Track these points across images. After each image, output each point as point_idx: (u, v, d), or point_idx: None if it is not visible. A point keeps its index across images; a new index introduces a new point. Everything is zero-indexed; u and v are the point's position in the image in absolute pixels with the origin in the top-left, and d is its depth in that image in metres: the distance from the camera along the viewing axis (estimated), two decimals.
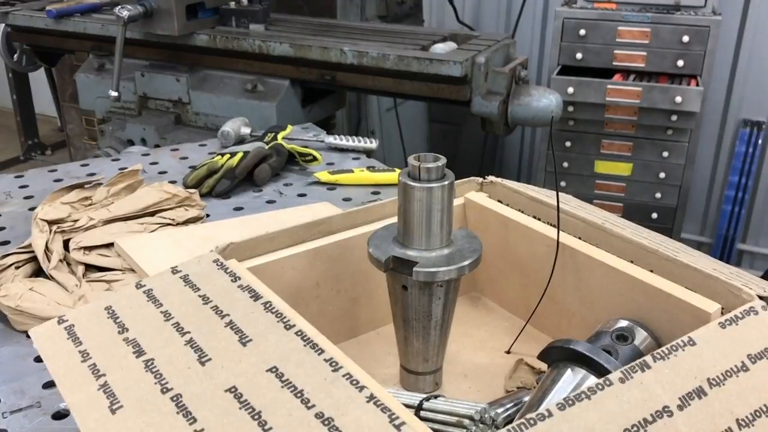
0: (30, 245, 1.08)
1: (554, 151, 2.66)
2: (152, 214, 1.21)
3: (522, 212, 0.93)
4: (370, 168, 1.49)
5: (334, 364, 0.57)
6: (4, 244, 1.19)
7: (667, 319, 0.73)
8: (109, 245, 1.10)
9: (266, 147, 1.49)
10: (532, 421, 0.51)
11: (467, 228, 0.83)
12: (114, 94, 1.97)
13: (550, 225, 0.89)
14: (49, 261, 1.05)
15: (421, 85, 1.85)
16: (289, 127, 1.62)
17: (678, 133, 2.55)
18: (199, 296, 0.69)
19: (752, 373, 0.61)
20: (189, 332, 0.64)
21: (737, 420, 0.58)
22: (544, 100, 1.87)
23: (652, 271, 0.79)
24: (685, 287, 0.75)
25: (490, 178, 0.98)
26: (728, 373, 0.60)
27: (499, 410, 0.69)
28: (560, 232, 0.85)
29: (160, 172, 1.53)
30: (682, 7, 2.50)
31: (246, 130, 1.66)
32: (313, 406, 0.53)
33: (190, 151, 1.65)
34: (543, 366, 0.85)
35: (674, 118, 2.49)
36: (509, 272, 0.94)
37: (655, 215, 2.66)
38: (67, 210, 1.18)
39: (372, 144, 1.66)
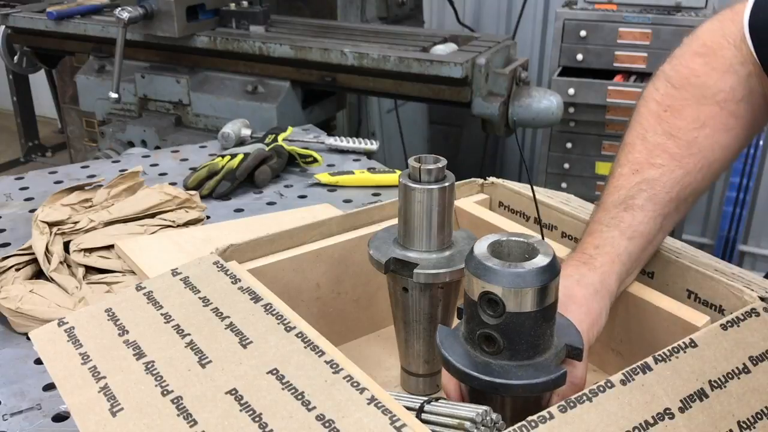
0: (30, 247, 1.08)
1: (551, 152, 2.66)
2: (153, 215, 1.21)
3: (523, 213, 0.93)
4: (371, 169, 1.49)
5: (334, 366, 0.57)
6: (5, 246, 1.19)
7: (657, 330, 0.73)
8: (110, 247, 1.10)
9: (267, 148, 1.49)
10: (533, 424, 0.51)
11: (468, 229, 0.83)
12: (114, 95, 1.97)
13: (551, 226, 0.89)
14: (49, 263, 1.05)
15: (422, 87, 1.85)
16: (290, 129, 1.62)
17: None
18: (200, 298, 0.69)
19: (753, 375, 0.61)
20: (189, 334, 0.64)
21: (738, 422, 0.58)
22: (545, 101, 1.87)
23: (653, 273, 0.79)
24: (687, 289, 0.76)
25: (491, 179, 0.98)
26: (729, 375, 0.60)
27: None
28: (562, 234, 0.85)
29: (160, 174, 1.53)
30: (683, 8, 2.50)
31: (246, 132, 1.66)
32: (314, 408, 0.53)
33: (190, 153, 1.65)
34: None
35: None
36: None
37: None
38: (68, 212, 1.18)
39: (372, 145, 1.66)
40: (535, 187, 0.85)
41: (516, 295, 0.58)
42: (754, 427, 0.58)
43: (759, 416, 0.59)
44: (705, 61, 0.79)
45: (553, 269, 0.59)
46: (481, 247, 0.61)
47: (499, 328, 0.60)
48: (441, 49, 1.94)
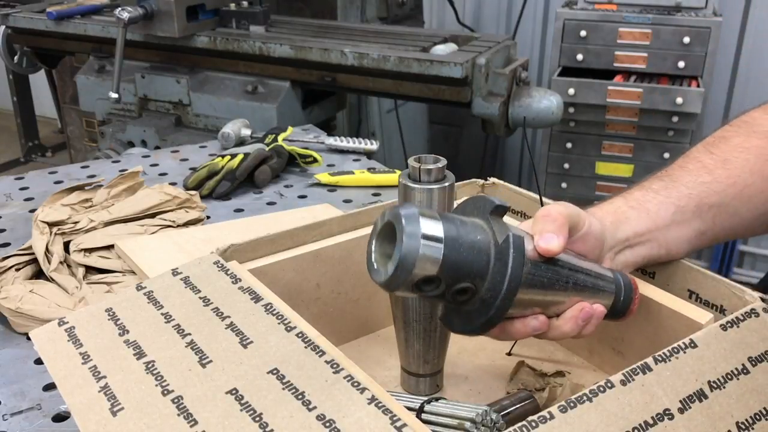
0: (30, 247, 1.08)
1: (551, 152, 2.66)
2: (153, 215, 1.21)
3: (524, 214, 0.93)
4: (371, 169, 1.49)
5: (335, 366, 0.57)
6: (5, 246, 1.19)
7: (659, 329, 0.73)
8: (110, 247, 1.10)
9: (267, 148, 1.49)
10: (533, 424, 0.51)
11: None
12: (114, 95, 1.97)
13: None
14: (49, 263, 1.05)
15: (422, 87, 1.85)
16: (290, 129, 1.62)
17: (679, 135, 2.55)
18: (200, 298, 0.69)
19: (752, 376, 0.61)
20: (190, 334, 0.64)
21: (737, 423, 0.58)
22: (545, 101, 1.87)
23: (654, 273, 0.79)
24: (688, 289, 0.76)
25: (492, 179, 0.98)
26: (729, 376, 0.60)
27: (501, 412, 0.69)
28: None
29: (160, 174, 1.53)
30: (683, 8, 2.50)
31: (246, 132, 1.66)
32: (314, 407, 0.53)
33: (190, 153, 1.65)
34: (544, 368, 0.85)
35: (675, 119, 2.49)
36: None
37: None
38: (68, 212, 1.18)
39: (372, 145, 1.66)
40: (531, 194, 0.85)
41: (421, 268, 0.57)
42: (753, 428, 0.58)
43: (757, 417, 0.59)
44: (763, 109, 0.82)
45: (410, 225, 0.57)
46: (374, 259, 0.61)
47: (448, 290, 0.60)
48: (441, 49, 1.94)
